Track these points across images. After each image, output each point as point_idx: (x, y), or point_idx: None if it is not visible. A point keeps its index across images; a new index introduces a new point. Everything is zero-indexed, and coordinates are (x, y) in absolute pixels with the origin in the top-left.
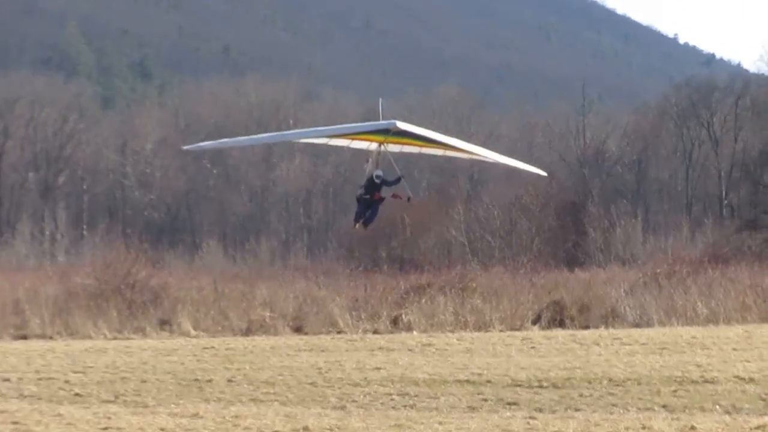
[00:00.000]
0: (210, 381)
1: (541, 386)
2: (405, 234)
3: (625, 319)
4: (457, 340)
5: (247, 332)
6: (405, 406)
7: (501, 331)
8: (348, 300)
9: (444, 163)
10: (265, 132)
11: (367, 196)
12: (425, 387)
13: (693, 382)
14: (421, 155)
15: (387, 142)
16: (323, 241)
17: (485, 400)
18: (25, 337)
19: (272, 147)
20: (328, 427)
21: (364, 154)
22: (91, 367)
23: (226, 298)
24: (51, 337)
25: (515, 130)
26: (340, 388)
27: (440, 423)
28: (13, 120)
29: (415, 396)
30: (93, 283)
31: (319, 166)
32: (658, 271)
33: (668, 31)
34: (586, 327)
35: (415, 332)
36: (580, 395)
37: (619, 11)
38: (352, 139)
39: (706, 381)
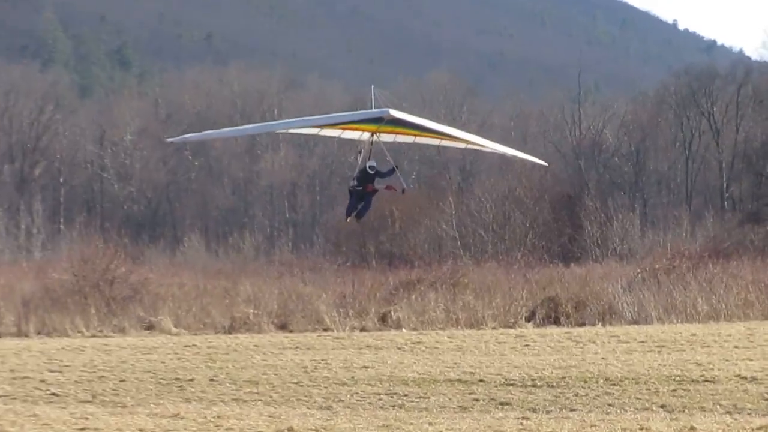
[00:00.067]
0: (191, 380)
1: (534, 386)
2: (394, 228)
3: (622, 316)
4: (448, 337)
5: (230, 330)
6: (394, 406)
7: (493, 328)
8: (335, 296)
9: (434, 154)
10: (249, 122)
11: (360, 188)
12: (415, 386)
13: (693, 381)
14: (410, 146)
15: (380, 132)
16: (309, 236)
17: (477, 400)
18: None
19: (256, 138)
20: (313, 427)
21: (352, 144)
22: (68, 366)
23: (209, 294)
24: (26, 335)
25: (508, 119)
26: (326, 387)
27: (430, 424)
28: None
29: (404, 396)
30: (70, 279)
31: (305, 158)
32: (657, 266)
33: (667, 16)
34: (582, 324)
35: (404, 330)
36: (576, 395)
37: None
38: (344, 128)
39: (707, 380)
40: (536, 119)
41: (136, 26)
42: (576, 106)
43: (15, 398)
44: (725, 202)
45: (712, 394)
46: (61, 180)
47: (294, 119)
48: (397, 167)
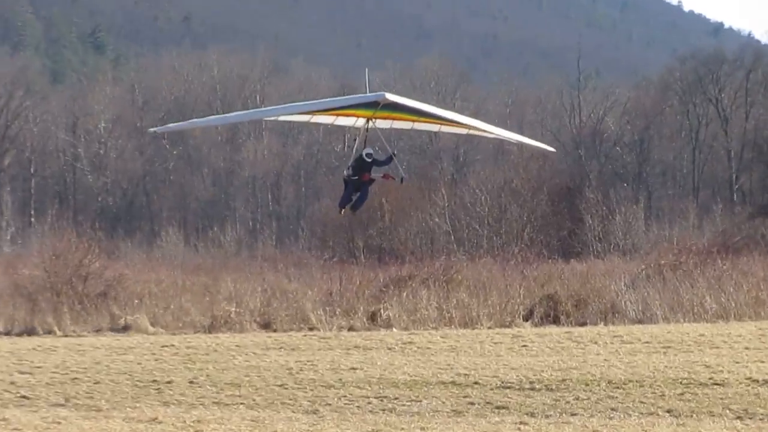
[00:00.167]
0: (170, 382)
1: (533, 388)
2: (384, 221)
3: (625, 315)
4: (441, 337)
5: (211, 329)
6: (383, 410)
7: (489, 328)
8: (321, 294)
9: (426, 143)
10: (230, 109)
11: (355, 178)
12: (406, 389)
13: (701, 384)
14: (400, 134)
15: (375, 117)
16: (294, 229)
17: (472, 403)
18: None
19: (238, 125)
20: None
21: (340, 132)
22: (39, 367)
23: (188, 291)
24: None
25: (504, 106)
26: (312, 390)
27: (422, 428)
28: None
29: (395, 399)
30: (41, 275)
31: (289, 147)
32: (663, 262)
33: None
34: (583, 324)
35: (394, 329)
36: (577, 399)
37: None
38: (337, 114)
39: (716, 383)
40: (533, 107)
41: (110, 8)
42: (575, 92)
43: None
44: (734, 194)
45: (721, 398)
46: (32, 170)
47: (283, 106)
48: (394, 154)
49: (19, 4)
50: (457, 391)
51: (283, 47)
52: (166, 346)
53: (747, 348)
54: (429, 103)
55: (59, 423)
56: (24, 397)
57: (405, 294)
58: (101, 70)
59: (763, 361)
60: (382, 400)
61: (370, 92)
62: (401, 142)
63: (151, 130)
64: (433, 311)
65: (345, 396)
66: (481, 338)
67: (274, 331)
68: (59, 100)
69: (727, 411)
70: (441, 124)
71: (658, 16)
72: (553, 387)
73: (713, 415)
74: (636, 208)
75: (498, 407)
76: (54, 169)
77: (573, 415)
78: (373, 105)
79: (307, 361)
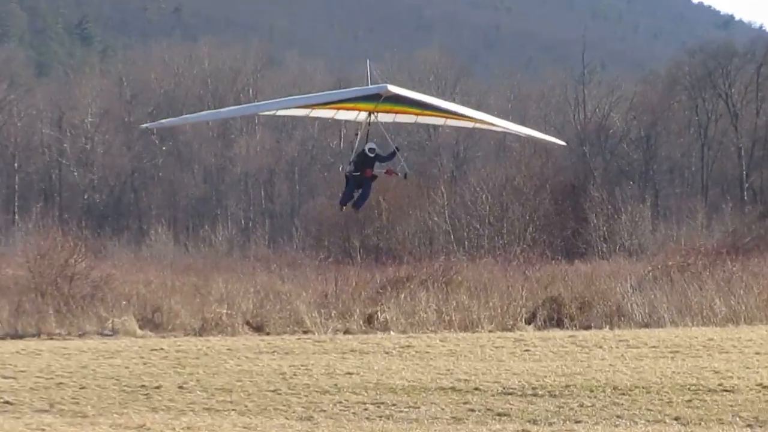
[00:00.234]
0: (158, 387)
1: (535, 395)
2: (381, 220)
3: (631, 318)
4: (441, 341)
5: (201, 332)
6: (380, 417)
7: (490, 331)
8: (316, 295)
9: (425, 139)
10: (221, 103)
11: (357, 174)
12: (404, 395)
13: (710, 390)
14: (398, 130)
15: (377, 111)
16: (288, 228)
17: (472, 410)
18: None
19: (229, 120)
20: None
21: (336, 127)
22: (23, 371)
23: (177, 292)
24: None
25: (505, 101)
26: (306, 395)
27: None
28: None
29: (392, 405)
30: (25, 276)
31: (283, 142)
32: (670, 263)
33: None
34: (588, 327)
35: (392, 332)
36: (581, 405)
37: None
38: (337, 108)
39: (725, 390)
40: (536, 101)
41: None
42: (580, 86)
43: None
44: (745, 193)
45: (731, 405)
46: (16, 166)
47: (281, 99)
48: (398, 149)
49: None
50: (456, 398)
51: (278, 39)
52: (155, 349)
53: (758, 353)
54: None
55: (44, 430)
56: (7, 402)
57: (403, 296)
58: (88, 63)
59: None
60: (379, 407)
61: (371, 84)
62: (398, 137)
63: (144, 126)
64: (432, 314)
65: (340, 402)
66: (482, 342)
67: (267, 334)
68: (44, 94)
69: (737, 419)
70: (446, 117)
71: (665, 7)
72: (557, 393)
73: (722, 423)
74: (642, 207)
75: (499, 414)
76: (39, 165)
77: (577, 422)
78: (374, 98)
79: (301, 366)
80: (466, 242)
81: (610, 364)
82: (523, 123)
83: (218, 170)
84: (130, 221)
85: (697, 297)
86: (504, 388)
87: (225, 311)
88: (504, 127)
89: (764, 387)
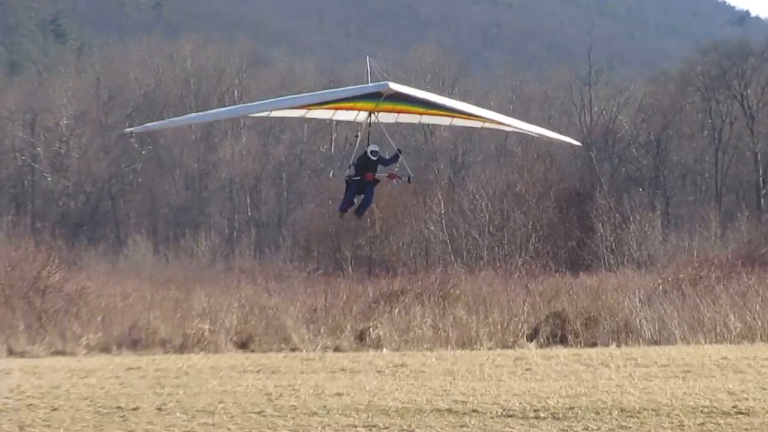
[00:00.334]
0: (136, 409)
1: (537, 417)
2: (374, 229)
3: (640, 335)
4: (437, 359)
5: (182, 349)
6: None
7: (490, 349)
8: (304, 310)
9: (421, 143)
10: (204, 105)
11: (358, 178)
12: (397, 417)
13: (724, 413)
14: (392, 132)
15: (378, 110)
16: (274, 238)
17: None
18: None
19: (213, 122)
20: None
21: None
22: None
23: (157, 306)
24: None
25: (507, 102)
26: (293, 418)
27: None
28: None
29: (385, 428)
30: None
31: (270, 146)
32: (681, 276)
33: None
34: (593, 344)
35: (385, 350)
36: (586, 429)
37: None
38: (336, 108)
39: (740, 412)
40: (539, 102)
41: None
42: (586, 87)
43: None
44: (761, 200)
45: (746, 429)
46: None
47: (275, 99)
48: (400, 151)
49: None
50: (453, 420)
51: (264, 36)
52: (132, 368)
53: None
54: None
55: None
56: None
57: (397, 311)
58: (63, 61)
59: None
60: (370, 430)
61: (371, 82)
62: (392, 141)
63: (128, 130)
64: (428, 330)
65: (330, 425)
66: (481, 360)
67: (252, 351)
68: (16, 94)
69: None
70: (453, 116)
71: (677, 3)
72: (560, 415)
73: None
74: (652, 216)
75: None
76: (10, 170)
77: None
78: (375, 96)
79: (288, 386)
80: (464, 253)
81: (617, 385)
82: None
83: (201, 176)
84: (107, 230)
85: (710, 312)
86: (504, 410)
87: (207, 327)
88: (515, 127)
89: None
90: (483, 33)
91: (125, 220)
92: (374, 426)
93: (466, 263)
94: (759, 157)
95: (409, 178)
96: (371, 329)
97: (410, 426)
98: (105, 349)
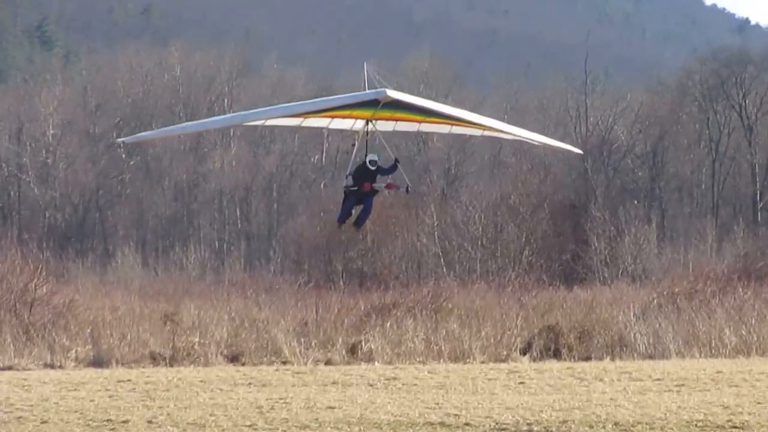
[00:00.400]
0: (126, 422)
1: (531, 431)
2: (365, 242)
3: (635, 348)
4: (429, 373)
5: (172, 362)
6: None
7: (482, 362)
8: (295, 323)
9: (413, 153)
10: (194, 114)
11: (355, 188)
12: (389, 431)
13: (719, 427)
14: (386, 139)
15: (375, 118)
16: (265, 250)
17: None
18: None
19: (202, 132)
20: None
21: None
22: None
23: (146, 319)
24: None
25: (501, 111)
26: (285, 431)
27: None
28: None
29: None
30: None
31: (260, 157)
32: (677, 289)
33: None
34: (587, 358)
35: (377, 363)
36: None
37: None
38: (332, 116)
39: (735, 426)
40: (534, 111)
41: None
42: (582, 96)
43: None
44: (758, 214)
45: None
46: None
47: (271, 107)
48: (398, 161)
49: None
50: None
51: (254, 43)
52: (122, 381)
53: None
54: None
55: None
56: None
57: (389, 324)
58: (49, 69)
59: None
60: None
61: (368, 89)
62: (384, 152)
63: (120, 140)
64: (420, 343)
65: None
66: (474, 374)
67: (243, 364)
68: (2, 103)
69: None
70: (452, 124)
71: (676, 9)
72: (554, 429)
73: None
74: (648, 229)
75: None
76: None
77: None
78: (373, 104)
79: (279, 399)
80: (457, 266)
81: (611, 399)
82: None
83: (190, 187)
84: (94, 242)
85: (705, 326)
86: (497, 424)
87: (197, 340)
88: (515, 134)
89: None
90: (478, 40)
91: (113, 231)
92: None
93: (459, 276)
94: (757, 169)
95: (407, 188)
96: (363, 342)
97: None
98: (94, 362)
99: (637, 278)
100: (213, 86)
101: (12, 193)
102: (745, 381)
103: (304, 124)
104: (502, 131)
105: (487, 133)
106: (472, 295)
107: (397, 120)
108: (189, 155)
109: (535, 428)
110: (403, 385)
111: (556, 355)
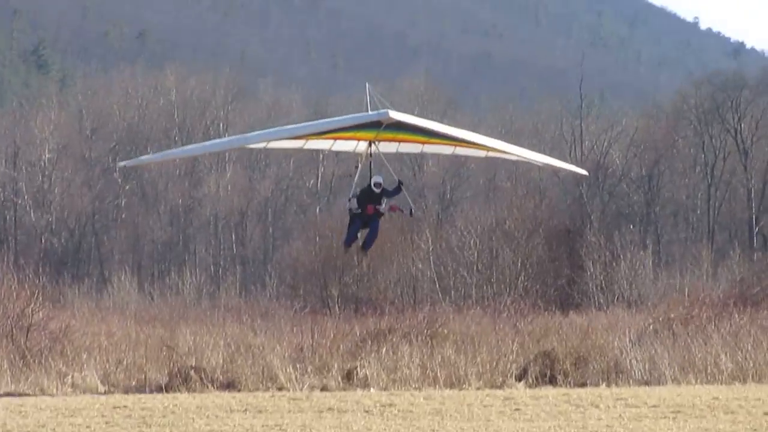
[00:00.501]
0: None
1: None
2: (361, 267)
3: (630, 375)
4: (425, 399)
5: (168, 388)
6: None
7: (478, 388)
8: (291, 349)
9: (409, 178)
10: (189, 138)
11: (360, 211)
12: None
13: None
14: (378, 167)
15: (378, 140)
16: (260, 275)
17: None
18: None
19: (197, 156)
20: None
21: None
22: None
23: (142, 345)
24: None
25: (496, 134)
26: None
27: None
28: None
29: None
30: None
31: (256, 181)
32: (672, 315)
33: (686, 13)
34: (583, 385)
35: (372, 389)
36: None
37: None
38: (335, 138)
39: None
40: (529, 135)
41: (55, 21)
42: (577, 120)
43: None
44: (755, 238)
45: None
46: None
47: (272, 130)
48: (402, 183)
49: None
50: None
51: (250, 67)
52: (118, 407)
53: (766, 413)
54: None
55: None
56: None
57: (384, 350)
58: (45, 93)
59: None
60: None
61: (371, 110)
62: (385, 173)
63: (121, 164)
64: (416, 369)
65: None
66: (469, 400)
67: (239, 390)
68: None
69: None
70: (455, 145)
71: (671, 33)
72: None
73: None
74: (643, 254)
75: None
76: None
77: None
78: (375, 125)
79: (275, 425)
80: (452, 291)
81: (607, 425)
82: (512, 160)
83: (185, 211)
84: (90, 267)
85: (701, 352)
86: None
87: (193, 365)
88: (519, 155)
89: None
90: (472, 64)
91: (109, 256)
92: None
93: (455, 302)
94: (752, 194)
95: (410, 210)
96: (358, 368)
97: None
98: (90, 388)
99: (632, 303)
100: (208, 110)
101: (8, 217)
102: (741, 407)
103: (306, 147)
104: (505, 152)
105: (491, 154)
106: (468, 321)
107: (400, 141)
108: (184, 180)
109: None
110: (398, 411)
111: (552, 381)
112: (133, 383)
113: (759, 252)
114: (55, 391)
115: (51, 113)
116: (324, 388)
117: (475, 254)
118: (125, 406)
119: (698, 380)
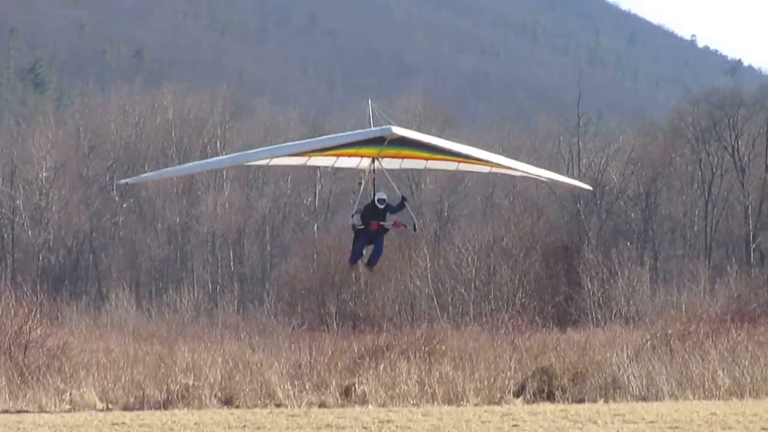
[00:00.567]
0: None
1: None
2: (358, 284)
3: (628, 390)
4: (423, 415)
5: (166, 405)
6: None
7: (476, 405)
8: (289, 365)
9: (406, 195)
10: (187, 156)
11: (363, 227)
12: None
13: None
14: (379, 181)
15: (381, 156)
16: (258, 293)
17: None
18: None
19: (195, 174)
20: None
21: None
22: None
23: (140, 362)
24: None
25: (494, 152)
26: None
27: None
28: None
29: None
30: None
31: (253, 199)
32: (670, 331)
33: (684, 31)
34: (581, 400)
35: (370, 406)
36: None
37: (623, 6)
38: (338, 154)
39: None
40: (527, 153)
41: (52, 40)
42: (574, 138)
43: None
44: (752, 255)
45: None
46: None
47: (275, 146)
48: (405, 199)
49: None
50: None
51: (247, 86)
52: (117, 424)
53: (764, 428)
54: None
55: None
56: None
57: (382, 366)
58: (42, 111)
59: None
60: None
61: (374, 126)
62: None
63: (123, 181)
64: (414, 386)
65: None
66: (467, 416)
67: (237, 407)
68: None
69: None
70: (459, 161)
71: (668, 51)
72: None
73: None
74: (641, 271)
75: None
76: None
77: None
78: (378, 141)
79: None
80: (450, 308)
81: None
82: (511, 176)
83: (183, 229)
84: (88, 284)
85: (698, 368)
86: None
87: (191, 382)
88: (524, 171)
89: None
90: (470, 82)
91: (107, 274)
92: None
93: (452, 318)
94: (749, 211)
95: (414, 226)
96: (356, 385)
97: None
98: (89, 405)
99: (630, 320)
100: (205, 128)
101: (5, 235)
102: (738, 423)
103: (309, 163)
104: (509, 168)
105: (494, 169)
106: (466, 337)
107: (403, 157)
108: (182, 198)
109: None
110: (396, 428)
111: (550, 397)
112: (132, 400)
113: (756, 268)
114: (53, 408)
115: (48, 131)
116: (322, 405)
117: (473, 271)
118: (123, 423)
119: (696, 396)
